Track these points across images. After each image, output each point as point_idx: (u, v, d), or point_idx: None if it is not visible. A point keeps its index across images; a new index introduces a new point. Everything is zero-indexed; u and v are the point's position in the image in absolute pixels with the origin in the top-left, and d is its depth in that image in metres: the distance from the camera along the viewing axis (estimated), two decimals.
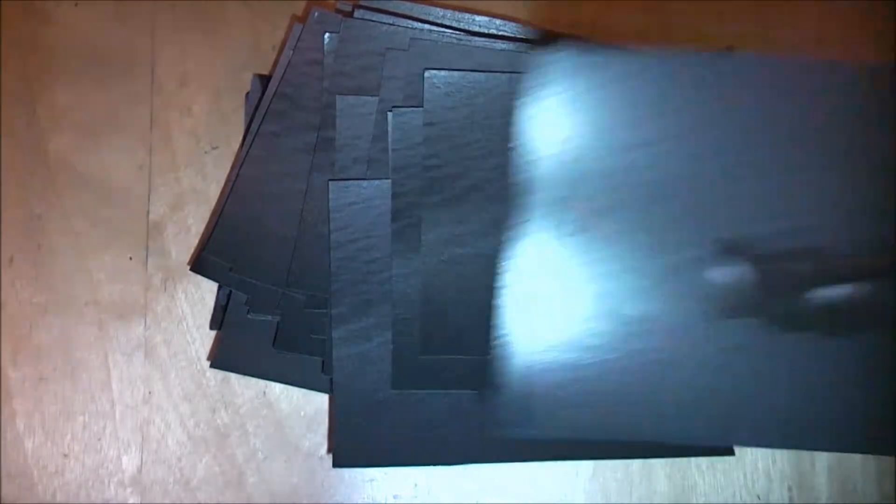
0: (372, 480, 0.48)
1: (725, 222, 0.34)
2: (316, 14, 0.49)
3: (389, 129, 0.46)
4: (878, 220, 0.34)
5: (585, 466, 0.48)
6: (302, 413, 0.48)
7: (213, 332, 0.49)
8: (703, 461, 0.48)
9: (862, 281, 0.34)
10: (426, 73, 0.47)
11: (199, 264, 0.47)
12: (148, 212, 0.50)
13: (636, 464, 0.48)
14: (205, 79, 0.52)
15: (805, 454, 0.48)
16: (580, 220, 0.35)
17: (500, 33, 0.50)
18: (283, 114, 0.48)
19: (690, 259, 0.34)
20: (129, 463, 0.48)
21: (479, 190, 0.43)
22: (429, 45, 0.48)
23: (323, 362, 0.46)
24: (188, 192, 0.51)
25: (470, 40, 0.48)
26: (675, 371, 0.35)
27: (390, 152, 0.46)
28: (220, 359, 0.47)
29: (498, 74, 0.47)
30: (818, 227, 0.34)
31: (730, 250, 0.34)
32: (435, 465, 0.47)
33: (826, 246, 0.34)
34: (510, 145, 0.39)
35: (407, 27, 0.49)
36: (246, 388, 0.49)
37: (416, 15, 0.49)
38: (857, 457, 0.48)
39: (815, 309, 0.34)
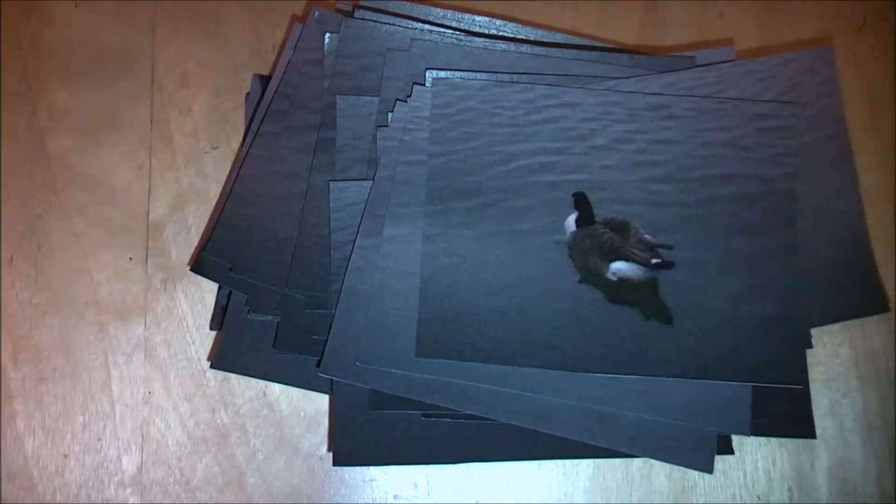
0: (372, 480, 0.48)
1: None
2: (316, 14, 0.49)
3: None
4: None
5: (585, 466, 0.48)
6: (302, 413, 0.48)
7: (213, 333, 0.49)
8: None
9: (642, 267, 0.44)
10: (427, 74, 0.47)
11: (199, 264, 0.47)
12: (148, 212, 0.50)
13: (636, 464, 0.48)
14: (205, 79, 0.52)
15: (805, 454, 0.48)
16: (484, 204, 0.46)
17: (500, 33, 0.50)
18: (283, 114, 0.48)
19: (549, 222, 0.45)
20: (129, 463, 0.48)
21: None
22: (429, 46, 0.48)
23: None
24: (188, 192, 0.51)
25: (470, 40, 0.48)
26: (543, 302, 0.44)
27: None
28: (220, 359, 0.47)
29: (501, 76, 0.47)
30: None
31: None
32: (435, 463, 0.47)
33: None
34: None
35: (407, 27, 0.49)
36: (246, 388, 0.49)
37: (416, 15, 0.49)
38: (858, 457, 0.48)
39: (610, 278, 0.45)
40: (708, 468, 0.44)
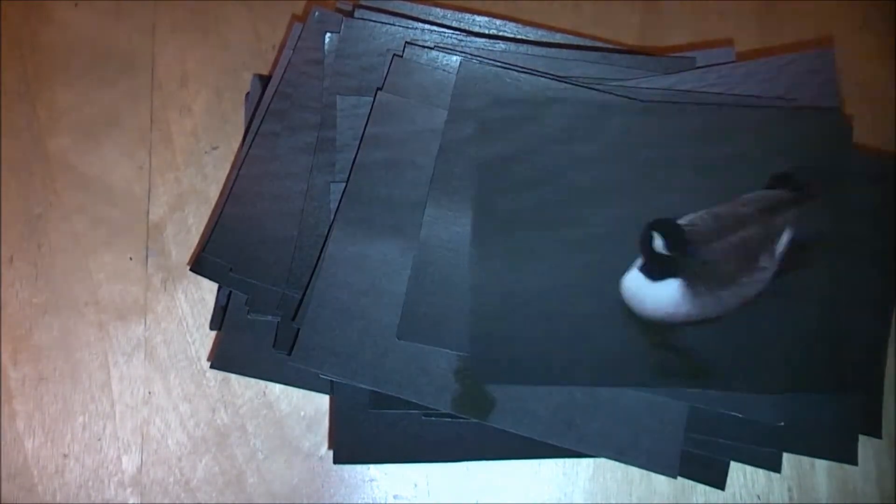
0: (372, 480, 0.48)
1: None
2: (316, 13, 0.49)
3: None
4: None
5: (585, 466, 0.48)
6: (302, 413, 0.48)
7: (213, 333, 0.49)
8: None
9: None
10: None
11: (199, 264, 0.47)
12: (148, 212, 0.50)
13: None
14: (205, 79, 0.52)
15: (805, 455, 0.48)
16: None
17: (500, 33, 0.50)
18: (283, 114, 0.48)
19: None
20: (129, 463, 0.48)
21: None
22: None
23: None
24: (188, 192, 0.51)
25: (470, 40, 0.48)
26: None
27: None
28: (220, 359, 0.47)
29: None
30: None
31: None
32: (434, 461, 0.47)
33: None
34: None
35: (407, 27, 0.49)
36: (246, 388, 0.49)
37: (416, 15, 0.49)
38: (858, 457, 0.48)
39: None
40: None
